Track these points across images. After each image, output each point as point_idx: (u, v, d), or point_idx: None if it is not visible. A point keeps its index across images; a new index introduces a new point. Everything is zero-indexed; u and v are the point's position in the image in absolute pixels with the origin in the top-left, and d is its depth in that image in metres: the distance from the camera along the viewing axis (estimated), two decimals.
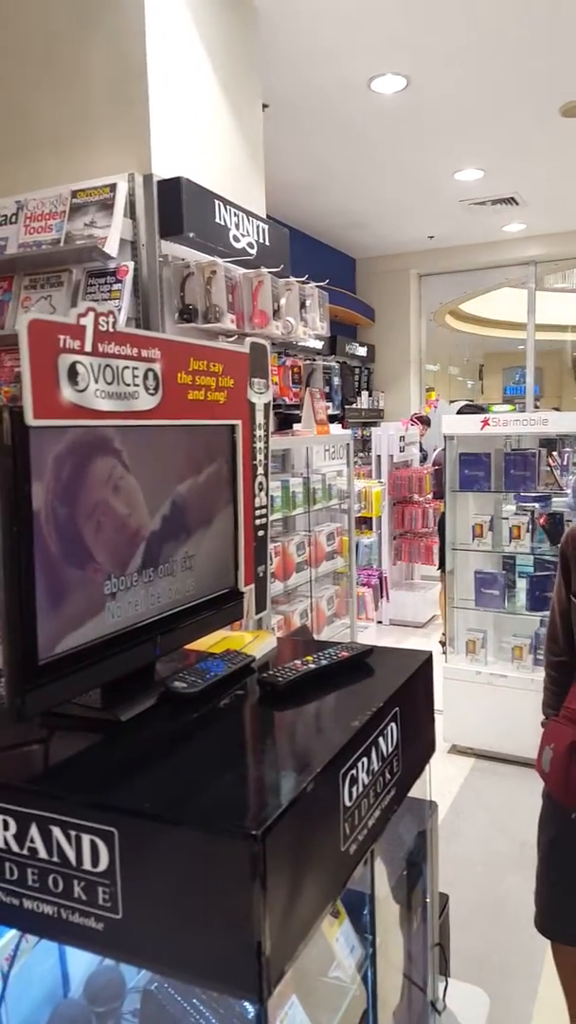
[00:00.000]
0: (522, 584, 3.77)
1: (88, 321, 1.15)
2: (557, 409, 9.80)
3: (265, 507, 1.59)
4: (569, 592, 1.93)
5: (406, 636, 5.53)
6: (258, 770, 1.02)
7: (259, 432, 1.56)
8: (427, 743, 1.41)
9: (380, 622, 5.38)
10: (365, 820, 1.10)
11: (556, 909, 1.98)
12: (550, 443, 4.29)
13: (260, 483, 1.57)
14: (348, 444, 3.67)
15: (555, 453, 3.94)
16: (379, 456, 5.65)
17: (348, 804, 1.04)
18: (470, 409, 5.15)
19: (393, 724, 1.22)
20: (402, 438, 5.78)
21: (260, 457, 1.56)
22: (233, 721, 1.21)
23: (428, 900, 1.65)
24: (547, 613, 3.76)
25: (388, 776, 1.20)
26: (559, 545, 1.99)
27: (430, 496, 5.68)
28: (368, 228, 7.39)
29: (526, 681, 3.69)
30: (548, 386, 13.42)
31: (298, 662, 1.30)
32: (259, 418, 1.56)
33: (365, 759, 1.10)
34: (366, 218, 7.10)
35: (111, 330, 1.18)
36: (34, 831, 0.96)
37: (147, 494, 1.28)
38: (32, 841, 0.96)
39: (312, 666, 1.29)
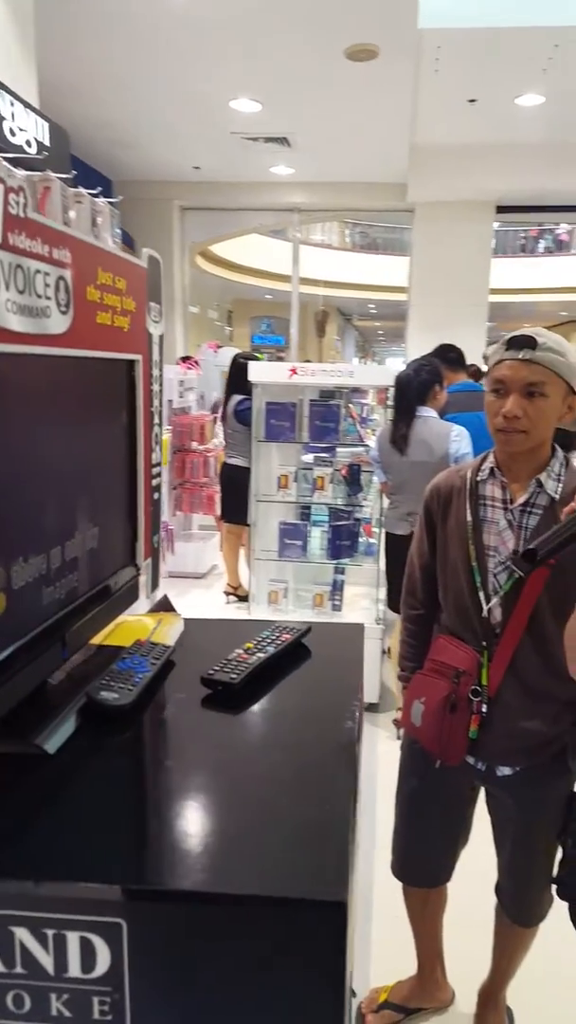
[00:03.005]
0: (323, 533, 3.81)
1: None
2: (308, 361, 10.11)
3: (159, 464, 1.32)
4: (433, 546, 1.91)
5: (188, 588, 5.38)
6: (276, 806, 0.80)
7: (155, 372, 1.28)
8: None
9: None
10: (355, 832, 0.96)
11: (413, 856, 2.01)
12: (330, 395, 4.35)
13: (156, 434, 1.29)
14: None
15: (351, 405, 3.99)
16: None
17: (352, 822, 0.89)
18: (245, 357, 5.03)
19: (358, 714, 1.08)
20: (181, 382, 5.50)
21: (156, 403, 1.28)
22: (201, 738, 0.96)
23: None
24: (345, 561, 3.87)
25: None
26: (424, 499, 1.95)
27: (211, 444, 5.51)
28: (132, 148, 6.80)
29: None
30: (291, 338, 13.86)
31: (241, 652, 1.09)
32: (155, 354, 1.27)
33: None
34: (131, 137, 6.51)
35: (22, 215, 0.83)
36: None
37: (47, 454, 0.96)
38: None
39: (260, 655, 1.09)
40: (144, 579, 1.28)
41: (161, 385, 1.29)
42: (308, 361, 10.01)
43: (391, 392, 3.37)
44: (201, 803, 0.79)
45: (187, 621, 1.34)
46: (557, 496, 1.59)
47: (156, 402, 1.27)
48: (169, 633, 1.20)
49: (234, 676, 1.02)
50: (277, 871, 0.67)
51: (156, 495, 1.29)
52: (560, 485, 1.61)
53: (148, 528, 1.26)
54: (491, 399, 1.60)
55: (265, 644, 1.12)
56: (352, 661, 1.12)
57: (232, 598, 5.08)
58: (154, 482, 1.28)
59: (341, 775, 0.82)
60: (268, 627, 1.20)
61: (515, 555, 1.60)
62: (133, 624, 1.24)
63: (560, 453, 1.65)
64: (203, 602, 5.07)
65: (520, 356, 1.52)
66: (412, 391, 3.28)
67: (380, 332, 24.18)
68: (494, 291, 7.46)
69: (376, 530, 3.91)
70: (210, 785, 0.83)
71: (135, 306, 1.17)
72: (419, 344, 6.80)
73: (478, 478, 1.77)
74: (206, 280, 12.70)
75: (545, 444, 1.62)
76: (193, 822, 0.76)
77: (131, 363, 1.17)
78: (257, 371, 3.59)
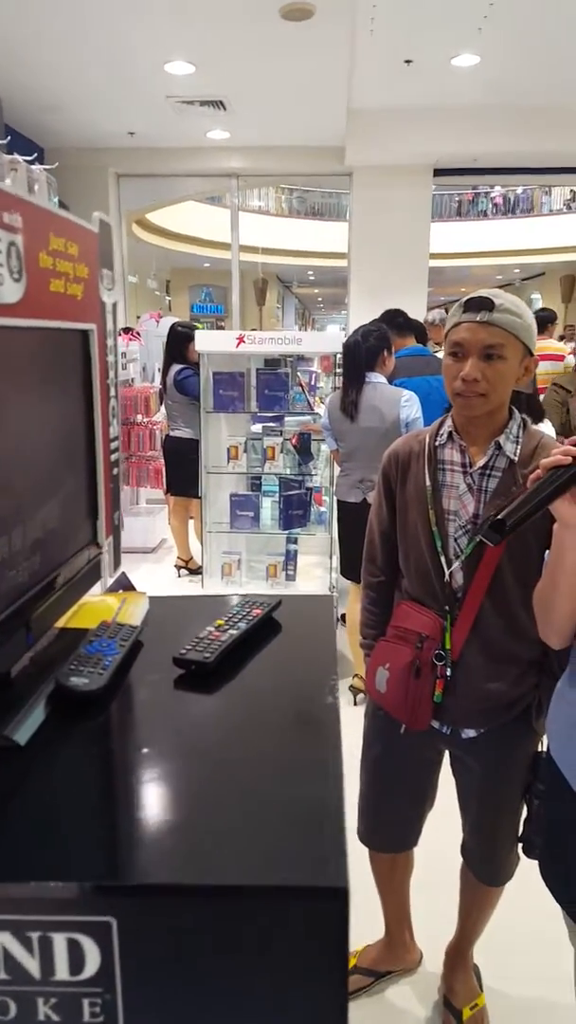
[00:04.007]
0: (274, 504, 3.79)
1: None
2: (255, 330, 9.98)
3: (118, 439, 1.27)
4: (393, 513, 1.90)
5: (138, 563, 5.29)
6: (264, 790, 0.77)
7: (110, 342, 1.22)
8: None
9: None
10: None
11: (380, 821, 2.03)
12: (276, 363, 4.29)
13: (113, 407, 1.23)
14: None
15: (299, 373, 3.95)
16: None
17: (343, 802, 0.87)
18: (182, 327, 4.91)
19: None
20: (124, 354, 5.35)
21: (112, 375, 1.22)
22: (178, 721, 0.92)
23: None
24: (297, 530, 3.86)
25: None
26: (382, 466, 1.93)
27: (157, 417, 5.40)
28: (63, 113, 6.48)
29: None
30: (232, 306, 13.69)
31: (212, 629, 1.06)
32: (109, 323, 1.21)
33: None
34: (62, 102, 6.21)
35: None
36: None
37: (5, 431, 0.90)
38: None
39: (233, 632, 1.06)
40: (107, 558, 1.23)
41: (116, 356, 1.23)
42: (254, 330, 9.87)
43: (338, 359, 3.34)
44: (186, 790, 0.77)
45: (150, 599, 1.30)
46: (516, 458, 1.59)
47: (112, 374, 1.21)
48: (134, 613, 1.16)
49: (207, 655, 0.99)
50: (272, 859, 0.65)
51: (115, 470, 1.24)
52: (518, 447, 1.61)
53: (108, 505, 1.21)
54: (449, 362, 1.58)
55: (237, 620, 1.10)
56: (324, 635, 1.10)
57: (184, 572, 5.03)
58: (113, 457, 1.23)
59: (329, 755, 0.80)
60: (237, 602, 1.17)
61: (475, 520, 1.60)
62: (96, 605, 1.20)
63: (517, 415, 1.65)
64: (155, 577, 5.01)
65: (478, 318, 1.51)
66: (361, 357, 3.25)
67: (319, 299, 24.06)
68: (430, 255, 7.46)
69: (326, 499, 3.91)
70: (193, 771, 0.80)
71: (88, 273, 1.10)
72: (361, 311, 6.75)
73: (436, 442, 1.75)
74: (143, 249, 12.37)
75: (503, 406, 1.61)
76: (179, 811, 0.73)
77: (86, 333, 1.11)
78: (204, 340, 3.51)
